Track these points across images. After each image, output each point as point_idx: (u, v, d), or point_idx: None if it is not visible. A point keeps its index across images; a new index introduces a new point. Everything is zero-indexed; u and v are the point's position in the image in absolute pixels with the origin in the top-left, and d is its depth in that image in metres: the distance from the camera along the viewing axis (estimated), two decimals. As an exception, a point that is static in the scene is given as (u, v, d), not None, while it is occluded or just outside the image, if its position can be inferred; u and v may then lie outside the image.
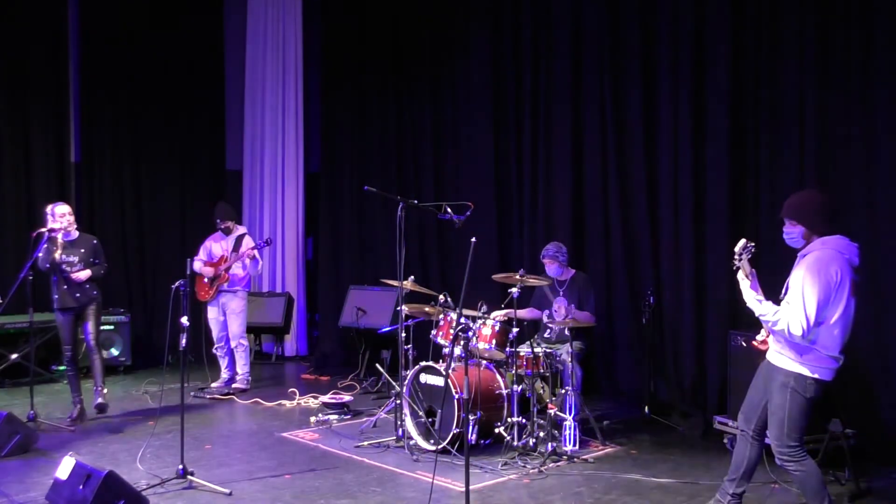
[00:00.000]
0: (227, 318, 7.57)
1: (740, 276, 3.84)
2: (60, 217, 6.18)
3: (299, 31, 9.79)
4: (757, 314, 3.78)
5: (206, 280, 7.52)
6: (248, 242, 7.55)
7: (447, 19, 8.49)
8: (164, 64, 9.57)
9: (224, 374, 7.69)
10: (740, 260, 3.78)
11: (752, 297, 3.80)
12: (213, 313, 7.61)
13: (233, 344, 7.60)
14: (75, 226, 6.29)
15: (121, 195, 9.44)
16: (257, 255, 7.44)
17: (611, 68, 7.00)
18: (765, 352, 4.00)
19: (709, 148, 6.31)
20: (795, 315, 3.62)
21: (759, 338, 4.13)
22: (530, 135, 7.64)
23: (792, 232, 3.86)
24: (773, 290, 3.95)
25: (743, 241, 3.78)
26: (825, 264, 3.66)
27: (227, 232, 7.67)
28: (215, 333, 7.65)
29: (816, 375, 3.72)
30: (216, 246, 7.67)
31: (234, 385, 7.55)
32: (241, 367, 7.62)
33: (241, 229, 7.78)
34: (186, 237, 9.74)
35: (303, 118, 9.89)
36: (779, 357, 3.80)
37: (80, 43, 9.17)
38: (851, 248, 3.77)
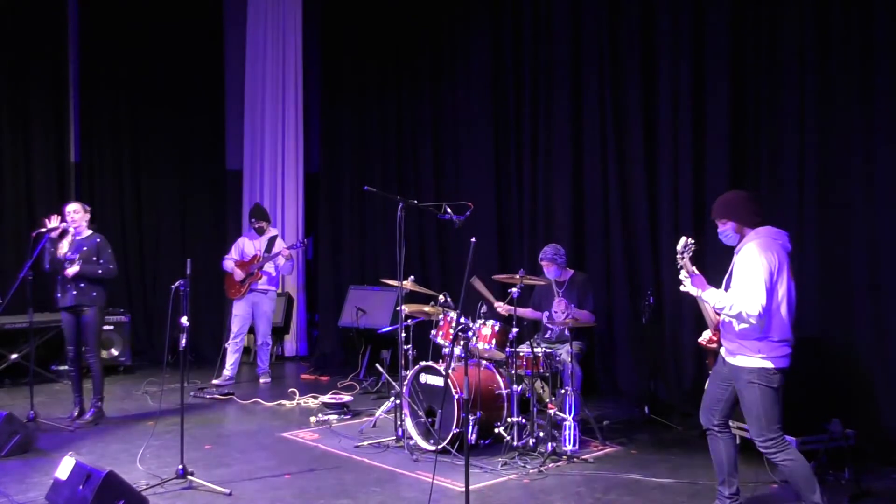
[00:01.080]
0: (257, 317, 7.84)
1: (683, 275, 3.99)
2: (68, 214, 6.20)
3: (299, 31, 9.80)
4: (711, 304, 3.92)
5: (237, 278, 7.63)
6: (280, 243, 7.78)
7: (447, 19, 8.50)
8: (164, 64, 9.57)
9: (226, 373, 7.71)
10: (682, 258, 3.93)
11: (699, 291, 3.95)
12: (240, 309, 7.74)
13: (260, 341, 7.97)
14: (84, 224, 6.26)
15: (121, 195, 9.44)
16: (293, 256, 7.60)
17: (611, 68, 7.00)
18: (711, 350, 4.15)
19: (708, 147, 6.31)
20: (747, 295, 3.74)
21: (702, 339, 4.27)
22: (530, 135, 7.65)
23: (724, 230, 4.03)
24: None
25: (683, 238, 3.94)
26: (762, 249, 3.83)
27: (261, 232, 7.86)
28: (235, 328, 7.74)
29: (776, 365, 3.82)
30: (249, 245, 7.85)
31: (260, 380, 7.94)
32: (264, 362, 8.02)
33: (274, 230, 8.05)
34: (186, 237, 9.74)
35: (303, 118, 9.89)
36: (736, 357, 3.90)
37: (80, 43, 9.18)
38: (782, 235, 3.96)
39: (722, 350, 4.02)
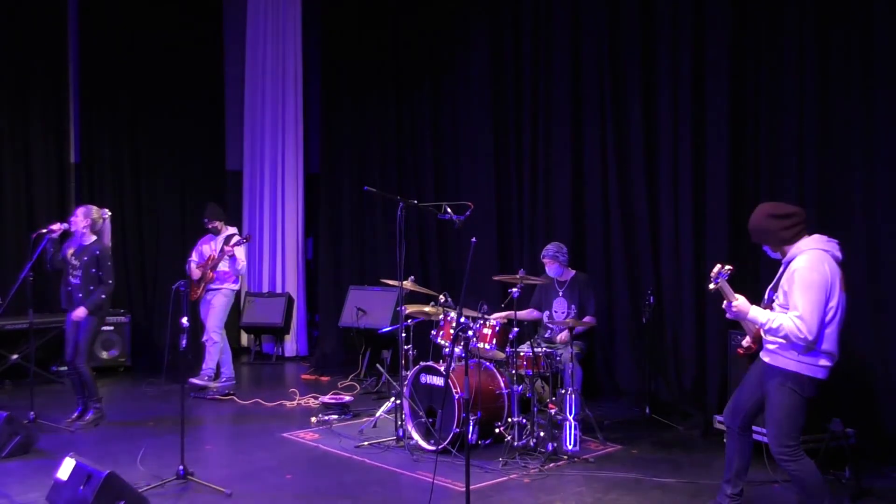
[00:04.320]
0: (206, 312, 7.48)
1: (726, 304, 3.86)
2: (73, 215, 6.20)
3: (299, 31, 9.79)
4: (759, 325, 3.80)
5: (194, 277, 7.50)
6: (236, 241, 7.52)
7: (447, 19, 8.50)
8: (164, 64, 9.57)
9: (223, 373, 7.69)
10: (717, 284, 3.80)
11: (746, 316, 3.81)
12: (204, 313, 7.61)
13: (203, 337, 7.44)
14: (84, 230, 6.19)
15: (121, 195, 9.44)
16: (236, 254, 7.34)
17: (611, 68, 6.99)
18: (749, 356, 4.06)
19: (709, 147, 6.30)
20: (799, 319, 3.63)
21: (744, 343, 4.16)
22: (530, 134, 7.64)
23: (766, 248, 3.95)
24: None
25: (718, 266, 3.81)
26: (815, 264, 3.70)
27: (216, 232, 7.67)
28: None
29: (814, 375, 3.75)
30: (206, 247, 7.67)
31: (192, 379, 7.28)
32: (207, 361, 7.39)
33: (231, 230, 7.73)
34: (186, 237, 9.72)
35: (303, 118, 9.89)
36: (776, 357, 3.82)
37: (80, 43, 9.17)
38: (833, 244, 3.84)
39: (762, 349, 3.93)
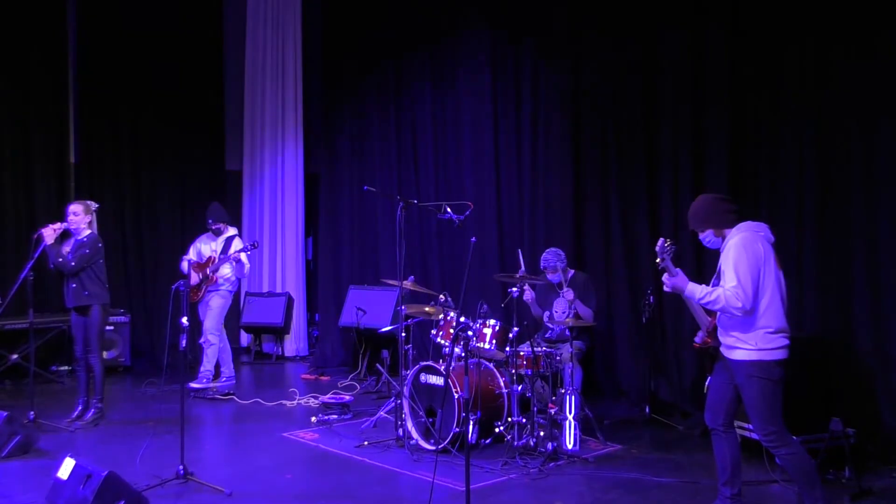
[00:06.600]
0: (204, 313, 7.48)
1: (665, 277, 4.00)
2: (68, 214, 6.21)
3: (299, 32, 9.81)
4: (696, 300, 3.94)
5: (192, 282, 7.44)
6: (237, 245, 7.49)
7: (447, 19, 8.49)
8: (163, 64, 9.57)
9: (223, 372, 7.69)
10: (664, 261, 3.94)
11: (683, 289, 3.95)
12: (202, 314, 7.60)
13: (201, 339, 7.44)
14: (82, 225, 6.22)
15: (121, 195, 9.45)
16: (243, 259, 7.36)
17: (611, 68, 6.99)
18: (707, 351, 4.16)
19: (709, 147, 6.30)
20: (733, 288, 3.77)
21: (697, 341, 4.24)
22: (530, 134, 7.64)
23: (705, 236, 4.09)
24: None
25: (661, 240, 3.94)
26: (747, 242, 3.87)
27: (218, 233, 7.64)
28: None
29: (776, 358, 3.84)
30: (205, 247, 7.62)
31: (190, 383, 7.28)
32: (205, 363, 7.39)
33: (232, 231, 7.71)
34: (186, 238, 9.70)
35: (303, 118, 9.90)
36: (735, 352, 3.90)
37: (79, 43, 9.18)
38: (763, 227, 4.00)
39: (721, 346, 4.02)
